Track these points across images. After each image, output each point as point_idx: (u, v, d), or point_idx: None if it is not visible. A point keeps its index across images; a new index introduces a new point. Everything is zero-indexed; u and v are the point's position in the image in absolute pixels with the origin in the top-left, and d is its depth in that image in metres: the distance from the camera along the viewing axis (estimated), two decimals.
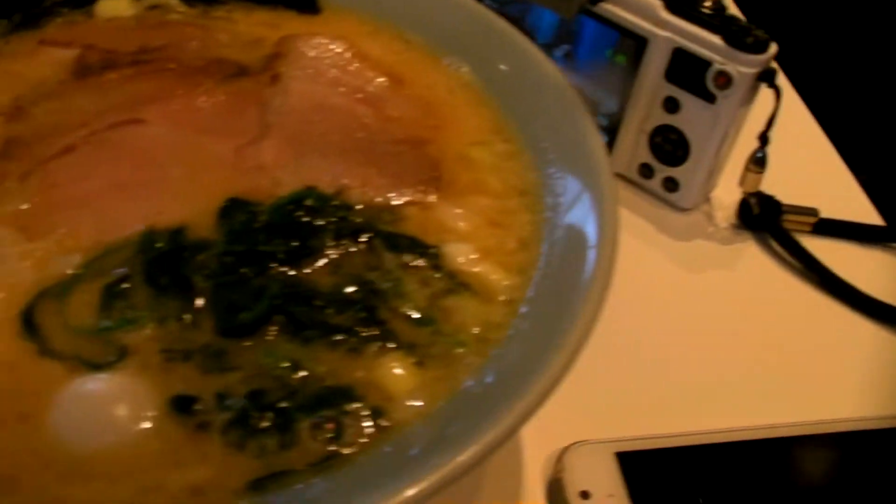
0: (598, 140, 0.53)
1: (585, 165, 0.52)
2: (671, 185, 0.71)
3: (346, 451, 0.41)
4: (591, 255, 0.47)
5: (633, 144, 0.71)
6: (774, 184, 0.70)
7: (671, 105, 0.68)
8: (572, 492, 0.54)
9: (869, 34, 1.05)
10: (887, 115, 1.02)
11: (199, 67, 0.58)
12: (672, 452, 0.58)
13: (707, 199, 0.73)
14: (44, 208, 0.50)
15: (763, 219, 0.70)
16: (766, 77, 0.64)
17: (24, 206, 0.50)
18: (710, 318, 0.66)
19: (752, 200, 0.70)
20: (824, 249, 0.69)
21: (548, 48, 0.71)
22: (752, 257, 0.69)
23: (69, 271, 0.47)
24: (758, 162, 0.67)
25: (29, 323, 0.45)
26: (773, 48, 0.64)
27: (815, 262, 0.68)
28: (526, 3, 0.71)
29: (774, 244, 0.70)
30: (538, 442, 0.58)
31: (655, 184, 0.72)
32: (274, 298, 0.45)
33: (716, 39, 0.64)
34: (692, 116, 0.67)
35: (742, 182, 0.69)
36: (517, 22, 0.70)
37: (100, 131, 0.54)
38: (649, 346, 0.63)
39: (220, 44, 0.61)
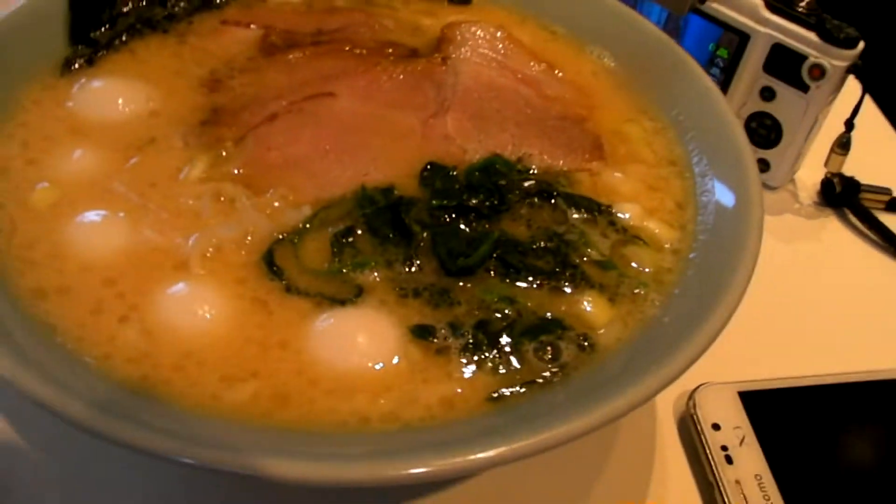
0: (734, 120, 0.60)
1: (726, 141, 0.59)
2: (763, 165, 0.79)
3: (567, 368, 0.48)
4: (742, 213, 0.54)
5: None
6: (851, 166, 0.78)
7: (767, 94, 0.75)
8: (706, 424, 0.62)
9: None
10: None
11: (373, 49, 0.65)
12: (782, 391, 0.65)
13: (792, 180, 0.81)
14: (263, 168, 0.56)
15: (843, 196, 0.78)
16: (855, 70, 0.72)
17: (244, 167, 0.56)
18: (801, 282, 0.74)
19: (836, 180, 0.78)
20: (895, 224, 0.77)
21: None
22: (835, 230, 0.78)
23: (299, 222, 0.53)
24: (843, 145, 0.75)
25: (271, 264, 0.51)
26: (861, 44, 0.72)
27: (891, 234, 0.76)
28: (639, 1, 0.79)
29: (853, 219, 0.78)
30: None
31: None
32: (494, 245, 0.52)
33: (811, 36, 0.72)
34: (786, 104, 0.75)
35: (827, 163, 0.77)
36: None
37: (297, 102, 0.60)
38: (754, 303, 0.70)
39: (387, 29, 0.67)
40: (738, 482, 0.58)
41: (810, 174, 0.80)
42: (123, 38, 0.64)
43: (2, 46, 0.59)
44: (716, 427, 0.62)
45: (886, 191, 0.79)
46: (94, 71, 0.62)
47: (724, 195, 0.57)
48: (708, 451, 0.60)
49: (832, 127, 0.76)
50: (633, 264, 0.54)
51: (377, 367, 0.48)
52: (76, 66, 0.62)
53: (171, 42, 0.65)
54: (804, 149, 0.77)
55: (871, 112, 0.89)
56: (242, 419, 0.45)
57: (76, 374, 0.45)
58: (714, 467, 0.59)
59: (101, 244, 0.52)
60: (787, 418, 0.63)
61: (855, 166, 0.78)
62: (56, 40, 0.63)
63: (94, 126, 0.58)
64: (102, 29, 0.64)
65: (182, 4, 0.67)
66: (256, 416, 0.45)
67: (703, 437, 0.61)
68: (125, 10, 0.65)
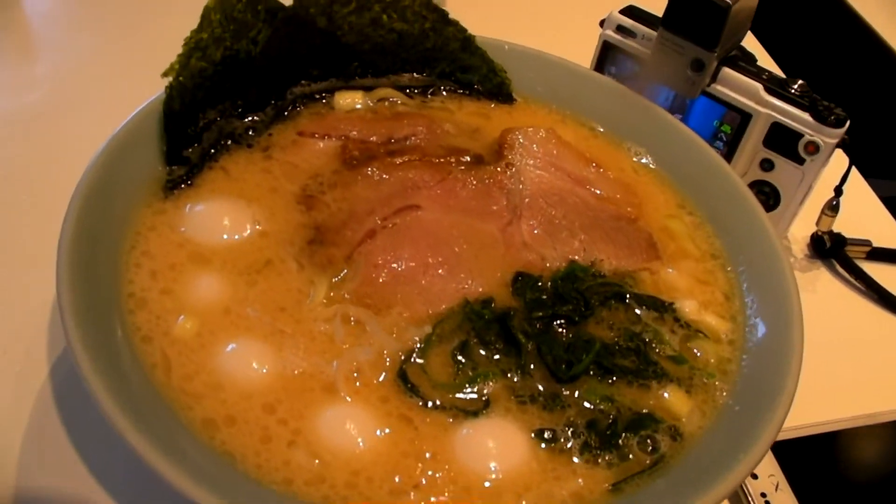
0: (760, 209, 0.74)
1: (758, 235, 0.73)
2: None
3: (666, 458, 0.61)
4: (784, 303, 0.68)
5: None
6: (834, 224, 0.93)
7: (767, 165, 0.90)
8: None
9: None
10: None
11: (443, 156, 0.75)
12: (804, 439, 0.80)
13: (785, 236, 0.96)
14: (377, 287, 0.66)
15: (832, 250, 0.94)
16: (843, 145, 0.87)
17: (360, 287, 0.66)
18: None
19: (826, 236, 0.93)
20: (876, 271, 0.93)
21: None
22: (826, 281, 0.93)
23: (421, 340, 0.64)
24: (833, 208, 0.91)
25: (406, 382, 0.62)
26: (848, 123, 0.87)
27: (873, 283, 0.92)
28: (649, 83, 0.91)
29: (840, 269, 0.94)
30: None
31: None
32: (595, 354, 0.64)
33: (806, 116, 0.86)
34: (784, 174, 0.89)
35: (818, 222, 0.92)
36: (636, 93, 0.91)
37: (389, 217, 0.70)
38: None
39: (448, 134, 0.78)
40: None
41: (801, 228, 0.95)
42: (213, 156, 0.73)
43: (113, 172, 0.67)
44: (754, 476, 0.76)
45: (867, 242, 0.95)
46: (195, 192, 0.70)
47: (763, 287, 0.71)
48: (750, 499, 0.75)
49: (820, 188, 0.91)
50: (699, 355, 0.67)
51: (515, 469, 0.59)
52: (177, 188, 0.70)
53: (258, 157, 0.74)
54: (798, 210, 0.92)
55: (852, 177, 1.05)
56: None
57: (265, 500, 0.55)
58: None
59: (252, 372, 0.61)
60: (811, 463, 0.78)
61: (838, 221, 0.94)
62: (153, 161, 0.71)
63: (211, 251, 0.67)
64: (192, 147, 0.72)
65: (258, 117, 0.76)
66: None
67: (744, 486, 0.75)
68: (209, 123, 0.74)
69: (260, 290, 0.65)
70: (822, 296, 0.92)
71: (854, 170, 1.03)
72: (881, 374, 0.87)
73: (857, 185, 1.05)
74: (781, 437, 0.79)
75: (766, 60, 1.24)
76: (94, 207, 0.64)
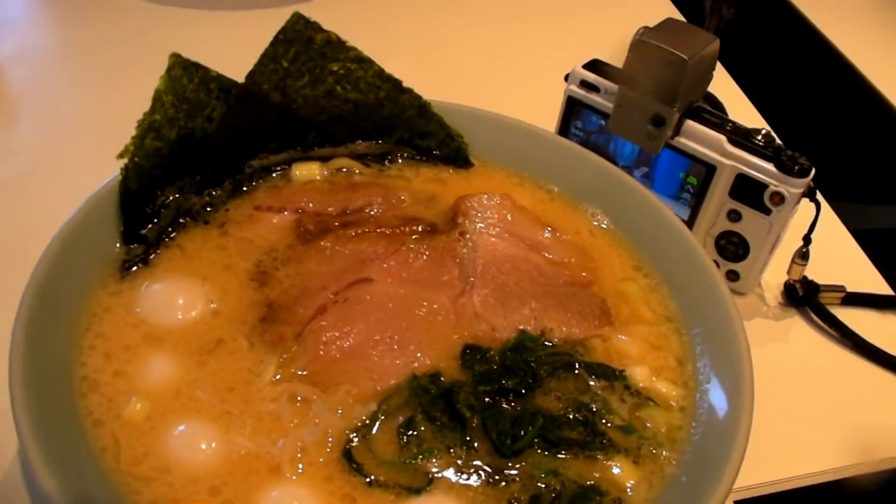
0: (718, 274, 0.75)
1: (713, 294, 0.74)
2: (733, 276, 0.95)
3: None
4: (736, 367, 0.69)
5: (702, 245, 0.94)
6: (809, 267, 0.94)
7: (734, 216, 0.91)
8: None
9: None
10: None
11: (396, 226, 0.78)
12: (771, 497, 0.81)
13: (759, 283, 0.97)
14: (325, 364, 0.69)
15: (805, 298, 0.95)
16: (809, 194, 0.88)
17: (308, 365, 0.69)
18: (772, 381, 0.90)
19: (798, 284, 0.94)
20: (852, 317, 0.94)
21: (628, 169, 0.93)
22: (800, 329, 0.94)
23: (366, 417, 0.66)
24: (803, 256, 0.92)
25: (351, 460, 0.64)
26: (813, 172, 0.88)
27: (848, 330, 0.93)
28: (615, 136, 0.93)
29: (814, 317, 0.95)
30: None
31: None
32: (539, 428, 0.66)
33: (770, 167, 0.88)
34: (751, 225, 0.90)
35: (789, 271, 0.93)
36: (602, 149, 0.93)
37: (341, 291, 0.73)
38: None
39: (403, 202, 0.80)
40: None
41: (774, 276, 0.97)
42: (170, 234, 0.76)
43: (69, 254, 0.69)
44: None
45: (841, 288, 0.96)
46: (151, 271, 0.73)
47: (716, 350, 0.72)
48: None
49: (791, 234, 0.92)
50: (649, 425, 0.69)
51: None
52: (133, 268, 0.73)
53: (214, 234, 0.77)
54: (769, 259, 0.93)
55: (825, 216, 1.06)
56: None
57: None
58: None
59: (199, 455, 0.63)
60: None
61: (812, 267, 0.95)
62: (110, 241, 0.74)
63: (165, 331, 0.70)
64: (149, 225, 0.75)
65: (216, 192, 0.79)
66: None
67: None
68: (166, 202, 0.77)
69: (210, 370, 0.68)
70: (796, 345, 0.93)
71: (830, 212, 1.05)
72: (857, 425, 0.87)
73: (832, 227, 1.06)
74: (747, 493, 0.81)
75: (737, 99, 1.26)
76: (49, 291, 0.67)
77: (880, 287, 0.99)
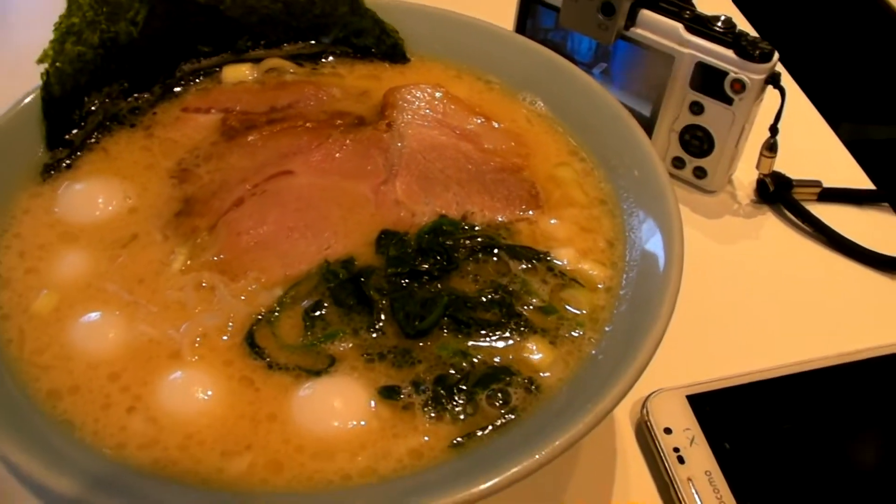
0: (653, 152, 0.70)
1: (649, 175, 0.69)
2: (700, 173, 0.89)
3: (518, 411, 0.59)
4: (665, 247, 0.65)
5: (666, 142, 0.89)
6: (783, 163, 0.88)
7: (696, 108, 0.85)
8: (658, 429, 0.73)
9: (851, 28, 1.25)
10: (875, 95, 1.22)
11: (324, 121, 0.75)
12: (727, 391, 0.76)
13: (730, 182, 0.92)
14: (236, 253, 0.66)
15: (777, 193, 0.89)
16: (772, 80, 0.82)
17: (220, 254, 0.66)
18: (742, 279, 0.85)
19: (768, 179, 0.88)
20: (828, 213, 0.88)
21: (587, 67, 0.89)
22: (772, 226, 0.88)
23: (272, 303, 0.64)
24: (771, 148, 0.86)
25: (253, 345, 0.62)
26: (776, 56, 0.82)
27: (822, 225, 0.87)
28: (568, 31, 0.88)
29: (788, 213, 0.89)
30: None
31: (687, 173, 0.90)
32: (445, 307, 0.63)
33: (730, 53, 0.82)
34: (714, 116, 0.85)
35: (758, 165, 0.87)
36: (560, 47, 0.88)
37: (260, 184, 0.70)
38: (699, 307, 0.81)
39: (334, 98, 0.77)
40: (690, 480, 0.70)
41: (747, 174, 0.91)
42: (95, 138, 0.74)
43: None
44: (667, 431, 0.73)
45: (817, 183, 0.89)
46: (73, 174, 0.72)
47: (649, 232, 0.67)
48: (662, 454, 0.71)
49: (765, 127, 0.87)
50: (571, 306, 0.65)
51: (352, 427, 0.58)
52: (56, 171, 0.72)
53: (139, 136, 0.75)
54: (737, 154, 0.88)
55: (800, 106, 0.99)
56: (242, 488, 0.55)
57: (97, 464, 0.56)
58: (668, 468, 0.71)
59: (102, 343, 0.62)
60: (732, 416, 0.74)
61: (789, 161, 0.89)
62: (35, 147, 0.73)
63: (81, 229, 0.68)
64: (75, 130, 0.74)
65: (145, 96, 0.77)
66: (256, 483, 0.55)
67: (656, 440, 0.72)
68: (93, 108, 0.75)
69: (122, 263, 0.66)
70: (766, 242, 0.88)
71: (811, 107, 0.98)
72: (828, 318, 0.82)
73: (812, 122, 0.99)
74: (701, 389, 0.76)
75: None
76: None
77: (861, 183, 0.92)
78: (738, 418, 0.74)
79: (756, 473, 0.70)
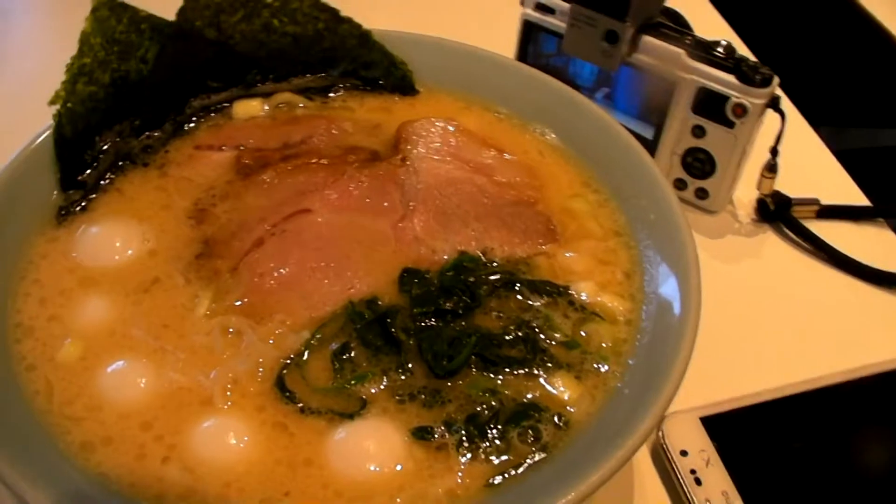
0: (665, 183, 0.72)
1: (662, 207, 0.71)
2: (702, 193, 0.91)
3: (549, 447, 0.60)
4: (683, 283, 0.66)
5: (668, 164, 0.90)
6: (781, 182, 0.90)
7: (699, 131, 0.87)
8: (674, 452, 0.74)
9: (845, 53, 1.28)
10: (869, 113, 1.25)
11: (338, 156, 0.75)
12: (739, 411, 0.78)
13: (730, 202, 0.93)
14: (260, 295, 0.67)
15: (777, 213, 0.91)
16: (773, 104, 0.84)
17: (244, 297, 0.67)
18: (746, 297, 0.86)
19: (768, 199, 0.90)
20: (827, 230, 0.90)
21: (590, 92, 0.90)
22: (773, 244, 0.90)
23: (300, 346, 0.64)
24: (771, 169, 0.88)
25: (284, 389, 0.62)
26: (776, 81, 0.84)
27: (821, 243, 0.89)
28: (572, 58, 0.89)
29: (788, 231, 0.91)
30: None
31: (689, 194, 0.92)
32: (473, 347, 0.63)
33: (731, 78, 0.84)
34: (716, 139, 0.87)
35: (759, 186, 0.89)
36: (561, 72, 0.89)
37: (279, 223, 0.70)
38: (705, 327, 0.82)
39: (346, 132, 0.78)
40: (707, 501, 0.71)
41: (746, 193, 0.93)
42: (108, 178, 0.74)
43: (5, 203, 0.68)
44: (684, 453, 0.74)
45: (815, 201, 0.91)
46: (88, 216, 0.72)
47: (664, 261, 0.69)
48: (679, 476, 0.73)
49: (763, 147, 0.88)
50: (593, 340, 0.66)
51: (389, 470, 0.59)
52: (71, 213, 0.72)
53: (153, 175, 0.75)
54: (737, 174, 0.89)
55: (799, 126, 1.01)
56: None
57: None
58: (686, 490, 0.72)
59: (132, 391, 0.62)
60: (746, 436, 0.76)
61: (786, 180, 0.91)
62: (48, 189, 0.72)
63: (101, 273, 0.68)
64: (88, 171, 0.74)
65: (156, 134, 0.77)
66: None
67: (673, 463, 0.74)
68: (105, 147, 0.75)
69: (145, 308, 0.66)
70: (769, 260, 0.89)
71: (806, 126, 1.00)
72: (832, 335, 0.84)
73: (808, 140, 1.01)
74: (714, 410, 0.78)
75: (705, 13, 1.20)
76: None
77: (857, 199, 0.95)
78: (752, 438, 0.76)
79: (772, 492, 0.72)
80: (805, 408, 0.78)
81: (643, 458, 0.76)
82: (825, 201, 0.92)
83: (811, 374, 0.79)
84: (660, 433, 0.75)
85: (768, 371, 0.80)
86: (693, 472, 0.73)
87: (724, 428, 0.76)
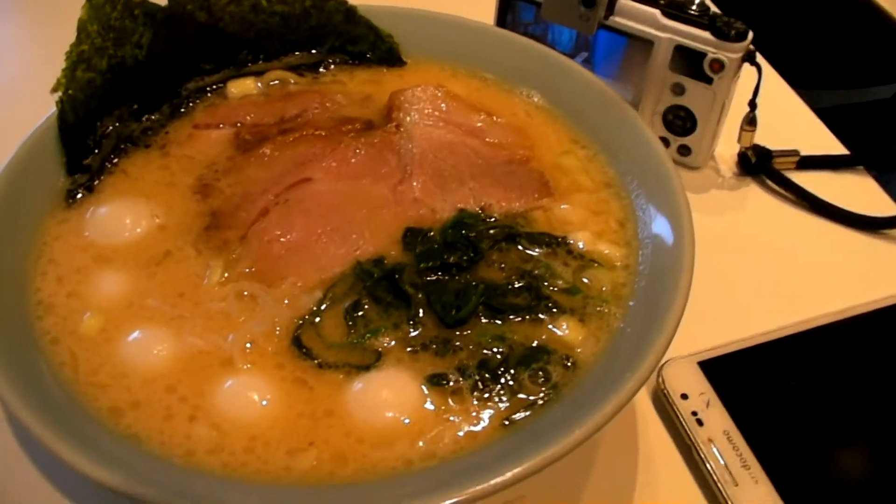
0: (649, 131, 0.75)
1: (650, 156, 0.75)
2: (684, 150, 0.95)
3: (559, 387, 0.64)
4: (676, 224, 0.70)
5: (650, 123, 0.94)
6: (760, 137, 0.94)
7: (678, 89, 0.91)
8: (675, 395, 0.78)
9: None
10: (840, 60, 1.29)
11: (333, 127, 0.78)
12: (734, 354, 0.82)
13: (712, 157, 0.98)
14: (270, 261, 0.70)
15: (758, 165, 0.95)
16: (749, 58, 0.88)
17: (254, 264, 0.70)
18: (732, 248, 0.90)
19: (749, 152, 0.95)
20: (808, 180, 0.94)
21: (569, 56, 0.93)
22: (756, 196, 0.94)
23: (313, 305, 0.68)
24: (751, 122, 0.92)
25: (301, 347, 0.66)
26: (751, 35, 0.88)
27: (803, 192, 0.93)
28: (549, 23, 0.93)
29: (770, 183, 0.95)
30: None
31: (671, 151, 0.96)
32: (480, 296, 0.67)
33: (707, 34, 0.87)
34: (695, 96, 0.91)
35: (739, 139, 0.93)
36: (540, 39, 0.93)
37: (282, 193, 0.74)
38: (696, 279, 0.86)
39: (339, 104, 0.81)
40: (710, 440, 0.75)
41: (728, 148, 0.97)
42: (113, 160, 0.77)
43: (15, 191, 0.71)
44: (684, 396, 0.78)
45: (795, 153, 0.96)
46: (96, 197, 0.75)
47: (657, 208, 0.72)
48: (681, 418, 0.77)
49: (742, 104, 0.92)
50: (593, 285, 0.70)
51: (408, 416, 0.62)
52: (79, 196, 0.74)
53: (155, 155, 0.78)
54: (718, 130, 0.93)
55: (775, 82, 1.06)
56: (312, 482, 0.59)
57: (169, 473, 0.59)
58: (688, 431, 0.76)
59: (154, 357, 0.65)
60: (742, 377, 0.80)
61: (766, 134, 0.95)
62: (55, 174, 0.75)
63: (113, 250, 0.71)
64: (92, 155, 0.77)
65: (154, 116, 0.80)
66: (324, 476, 0.59)
67: (674, 406, 0.77)
68: (107, 131, 0.78)
69: (160, 280, 0.69)
70: (752, 212, 0.94)
71: (782, 82, 1.04)
72: (818, 279, 0.88)
73: (785, 96, 1.06)
74: (711, 355, 0.81)
75: None
76: None
77: (835, 149, 0.99)
78: (749, 379, 0.80)
79: (771, 428, 0.76)
80: (797, 348, 0.82)
81: (645, 404, 0.80)
82: (805, 152, 0.96)
83: (800, 317, 0.83)
84: (660, 379, 0.79)
85: (760, 316, 0.84)
86: (694, 413, 0.77)
87: (722, 371, 0.80)
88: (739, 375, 0.80)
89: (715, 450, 0.74)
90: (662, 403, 0.79)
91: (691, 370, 0.80)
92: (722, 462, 0.73)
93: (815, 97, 1.10)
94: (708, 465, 0.73)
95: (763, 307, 0.85)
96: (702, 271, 0.85)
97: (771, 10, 1.29)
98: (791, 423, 0.77)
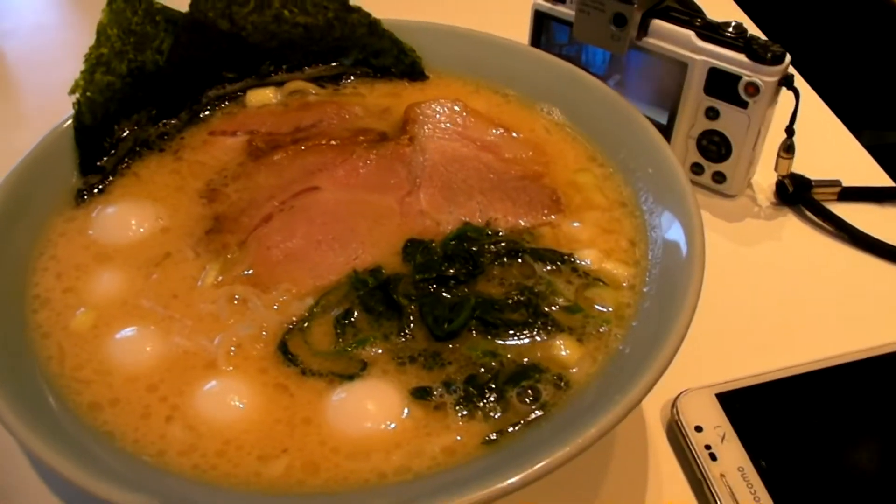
0: (667, 149, 0.72)
1: (665, 173, 0.71)
2: (719, 177, 0.91)
3: (548, 406, 0.61)
4: (686, 246, 0.67)
5: (684, 148, 0.91)
6: (801, 165, 0.90)
7: (712, 113, 0.88)
8: (689, 428, 0.74)
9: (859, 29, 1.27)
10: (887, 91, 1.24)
11: (347, 138, 0.77)
12: (755, 388, 0.77)
13: (749, 185, 0.93)
14: (267, 266, 0.69)
15: (797, 195, 0.90)
16: (786, 82, 0.84)
17: (251, 268, 0.69)
18: (766, 279, 0.86)
19: (787, 181, 0.90)
20: (849, 212, 0.89)
21: (602, 79, 0.91)
22: (793, 227, 0.90)
23: (304, 312, 0.66)
24: (788, 149, 0.88)
25: (286, 353, 0.64)
26: (788, 58, 0.84)
27: (844, 224, 0.88)
28: (582, 45, 0.91)
29: (809, 213, 0.90)
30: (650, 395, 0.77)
31: (706, 178, 0.92)
32: (472, 309, 0.65)
33: (742, 57, 0.84)
34: (730, 121, 0.87)
35: (777, 167, 0.89)
36: (574, 61, 0.91)
37: (288, 200, 0.73)
38: (724, 309, 0.82)
39: (356, 116, 0.80)
40: (723, 476, 0.71)
41: (766, 177, 0.93)
42: (126, 163, 0.77)
43: (27, 187, 0.72)
44: (698, 429, 0.74)
45: (836, 183, 0.91)
46: (105, 198, 0.75)
47: (670, 229, 0.69)
48: (694, 451, 0.72)
49: (780, 130, 0.88)
50: (596, 304, 0.67)
51: (386, 428, 0.60)
52: (89, 195, 0.75)
53: (168, 160, 0.78)
54: (754, 157, 0.89)
55: (817, 109, 1.01)
56: (280, 490, 0.57)
57: (137, 471, 0.58)
58: (700, 465, 0.72)
59: (139, 356, 0.64)
60: (762, 412, 0.75)
61: (808, 163, 0.91)
62: (68, 174, 0.76)
63: (115, 249, 0.71)
64: (107, 157, 0.77)
65: (172, 122, 0.81)
66: (293, 485, 0.57)
67: (687, 439, 0.73)
68: (123, 135, 0.78)
69: (156, 280, 0.69)
70: (788, 243, 0.89)
71: (826, 108, 1.00)
72: (854, 314, 0.83)
73: (828, 123, 1.01)
74: (730, 387, 0.77)
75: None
76: (4, 222, 0.70)
77: (879, 180, 0.94)
78: (768, 414, 0.75)
79: (788, 467, 0.71)
80: (823, 385, 0.77)
81: (658, 436, 0.76)
82: (847, 183, 0.91)
83: (831, 353, 0.78)
84: (674, 410, 0.75)
85: (788, 349, 0.79)
86: (708, 447, 0.73)
87: (740, 404, 0.75)
88: (759, 410, 0.75)
89: (727, 486, 0.70)
90: (676, 435, 0.75)
91: (708, 402, 0.76)
92: (734, 499, 0.68)
93: (870, 133, 1.05)
94: (719, 502, 0.69)
95: (793, 341, 0.81)
96: (730, 301, 0.82)
97: (815, 32, 1.25)
98: (810, 463, 0.72)
